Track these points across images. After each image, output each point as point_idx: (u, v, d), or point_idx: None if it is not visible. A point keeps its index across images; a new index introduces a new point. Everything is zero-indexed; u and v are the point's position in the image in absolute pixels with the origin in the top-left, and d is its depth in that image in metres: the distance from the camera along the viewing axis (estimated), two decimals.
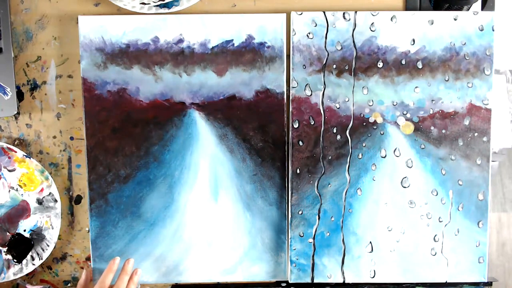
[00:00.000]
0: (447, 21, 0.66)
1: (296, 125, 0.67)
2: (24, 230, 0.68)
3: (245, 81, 0.66)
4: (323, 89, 0.67)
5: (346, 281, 0.68)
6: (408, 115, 0.67)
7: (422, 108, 0.67)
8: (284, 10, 0.67)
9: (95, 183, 0.67)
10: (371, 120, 0.67)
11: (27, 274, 0.69)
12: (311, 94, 0.67)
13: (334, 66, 0.66)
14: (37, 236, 0.68)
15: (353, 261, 0.68)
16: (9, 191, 0.68)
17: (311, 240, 0.67)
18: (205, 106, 0.67)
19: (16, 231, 0.68)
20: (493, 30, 0.66)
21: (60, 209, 0.68)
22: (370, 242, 0.68)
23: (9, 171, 0.67)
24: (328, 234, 0.67)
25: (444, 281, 0.68)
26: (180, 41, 0.66)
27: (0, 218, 0.68)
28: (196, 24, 0.66)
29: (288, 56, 0.67)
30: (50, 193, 0.68)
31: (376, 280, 0.68)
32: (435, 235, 0.68)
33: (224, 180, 0.67)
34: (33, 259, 0.68)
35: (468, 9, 0.68)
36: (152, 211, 0.67)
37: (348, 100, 0.67)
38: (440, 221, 0.68)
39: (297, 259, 0.68)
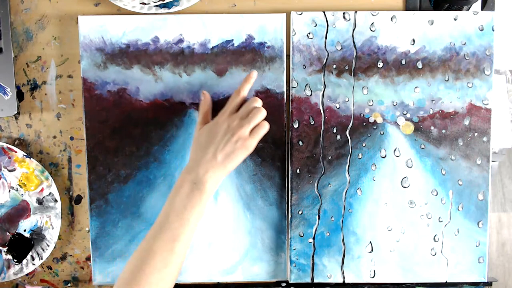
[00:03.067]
0: (447, 21, 0.66)
1: (296, 125, 0.67)
2: (24, 230, 0.68)
3: None
4: (323, 89, 0.67)
5: (346, 281, 0.68)
6: (408, 115, 0.67)
7: (422, 108, 0.67)
8: (284, 10, 0.67)
9: (95, 183, 0.67)
10: (371, 120, 0.67)
11: (27, 274, 0.69)
12: (311, 94, 0.67)
13: (334, 66, 0.66)
14: (37, 236, 0.68)
15: (353, 261, 0.68)
16: (9, 191, 0.68)
17: (311, 240, 0.67)
18: None
19: (16, 231, 0.68)
20: (493, 30, 0.66)
21: (60, 209, 0.68)
22: (370, 242, 0.68)
23: (9, 171, 0.67)
24: (328, 234, 0.67)
25: (444, 281, 0.68)
26: (180, 41, 0.66)
27: (0, 218, 0.68)
28: (196, 24, 0.66)
29: (288, 56, 0.67)
30: (50, 193, 0.68)
31: (376, 280, 0.68)
32: (435, 235, 0.68)
33: (224, 180, 0.67)
34: (33, 259, 0.68)
35: (468, 9, 0.68)
36: (152, 211, 0.67)
37: (348, 100, 0.67)
38: (440, 221, 0.68)
39: (297, 259, 0.68)
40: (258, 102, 0.60)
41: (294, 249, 0.67)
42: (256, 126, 0.59)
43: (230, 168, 0.57)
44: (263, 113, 0.59)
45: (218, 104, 0.67)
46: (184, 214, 0.54)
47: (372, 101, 0.67)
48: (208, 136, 0.58)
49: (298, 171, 0.67)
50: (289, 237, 0.67)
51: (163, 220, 0.55)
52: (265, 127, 0.59)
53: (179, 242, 0.53)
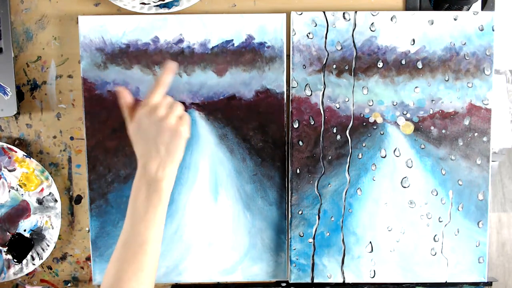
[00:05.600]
0: (447, 21, 0.66)
1: (296, 125, 0.67)
2: (24, 230, 0.68)
3: (245, 81, 0.67)
4: (323, 89, 0.67)
5: (346, 281, 0.68)
6: (408, 115, 0.67)
7: (422, 108, 0.67)
8: (284, 10, 0.67)
9: (95, 183, 0.67)
10: (371, 120, 0.67)
11: (27, 274, 0.69)
12: (311, 94, 0.67)
13: (334, 66, 0.66)
14: (37, 236, 0.68)
15: (353, 261, 0.68)
16: (9, 191, 0.68)
17: (311, 240, 0.67)
18: (205, 106, 0.67)
19: (16, 231, 0.68)
20: (493, 30, 0.66)
21: (60, 209, 0.68)
22: (370, 242, 0.68)
23: (9, 171, 0.67)
24: (328, 234, 0.67)
25: (444, 281, 0.68)
26: (180, 41, 0.66)
27: (0, 218, 0.68)
28: (196, 24, 0.66)
29: (288, 56, 0.67)
30: (50, 193, 0.68)
31: (376, 280, 0.68)
32: (435, 235, 0.68)
33: (224, 180, 0.67)
34: (33, 259, 0.68)
35: (468, 9, 0.68)
36: None
37: (348, 100, 0.67)
38: (440, 221, 0.68)
39: (297, 259, 0.68)
40: (171, 98, 0.59)
41: (294, 249, 0.67)
42: (183, 113, 0.58)
43: (177, 158, 0.56)
44: (181, 105, 0.58)
45: (218, 105, 0.67)
46: (147, 217, 0.55)
47: (372, 101, 0.67)
48: (140, 132, 0.57)
49: (298, 171, 0.67)
50: (289, 237, 0.67)
51: (128, 227, 0.55)
52: (188, 115, 0.59)
53: (149, 244, 0.54)
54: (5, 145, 0.67)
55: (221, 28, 0.66)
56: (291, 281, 0.68)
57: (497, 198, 1.32)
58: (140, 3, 0.66)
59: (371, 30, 0.66)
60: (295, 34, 0.66)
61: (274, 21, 0.66)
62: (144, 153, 0.56)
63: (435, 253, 0.68)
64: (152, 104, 0.57)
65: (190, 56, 0.66)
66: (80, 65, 0.66)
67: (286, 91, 0.67)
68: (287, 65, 0.67)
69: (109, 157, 0.67)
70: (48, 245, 0.68)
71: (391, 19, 0.66)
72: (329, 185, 0.67)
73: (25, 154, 0.67)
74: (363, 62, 0.66)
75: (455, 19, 0.66)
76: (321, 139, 0.67)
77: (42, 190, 0.68)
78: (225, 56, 0.66)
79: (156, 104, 0.57)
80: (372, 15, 0.66)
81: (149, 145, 0.56)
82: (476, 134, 0.67)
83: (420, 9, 0.68)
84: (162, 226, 0.56)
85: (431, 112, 0.67)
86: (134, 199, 0.56)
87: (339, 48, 0.66)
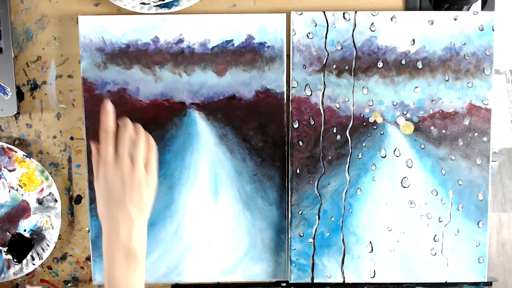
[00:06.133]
0: (447, 21, 0.66)
1: (296, 125, 0.67)
2: (24, 230, 0.68)
3: (245, 81, 0.67)
4: (323, 89, 0.67)
5: (346, 281, 0.68)
6: (408, 115, 0.67)
7: (422, 108, 0.67)
8: (284, 10, 0.67)
9: None
10: (371, 120, 0.67)
11: (27, 274, 0.69)
12: (311, 94, 0.67)
13: (334, 66, 0.66)
14: (37, 236, 0.68)
15: (353, 261, 0.68)
16: (9, 191, 0.68)
17: (311, 240, 0.67)
18: (205, 106, 0.67)
19: (16, 231, 0.68)
20: (493, 30, 0.66)
21: (60, 209, 0.68)
22: (370, 242, 0.68)
23: (9, 171, 0.67)
24: (328, 234, 0.67)
25: (444, 281, 0.68)
26: (180, 41, 0.66)
27: (0, 218, 0.68)
28: (196, 24, 0.66)
29: (288, 56, 0.67)
30: (50, 193, 0.68)
31: (376, 280, 0.68)
32: (435, 235, 0.68)
33: (224, 180, 0.67)
34: (33, 259, 0.68)
35: (468, 9, 0.68)
36: (152, 211, 0.67)
37: (348, 100, 0.67)
38: (440, 221, 0.68)
39: (297, 259, 0.68)
40: (127, 124, 0.55)
41: (294, 249, 0.67)
42: (147, 154, 0.56)
43: (147, 213, 0.55)
44: (141, 134, 0.55)
45: (218, 105, 0.67)
46: (129, 283, 0.53)
47: (372, 101, 0.67)
48: (108, 194, 0.54)
49: (298, 171, 0.67)
50: (289, 237, 0.67)
51: None
52: (154, 149, 0.56)
53: None
54: (5, 145, 0.67)
55: (221, 28, 0.66)
56: (291, 281, 0.68)
57: (497, 198, 1.32)
58: (140, 3, 0.66)
59: (371, 30, 0.66)
60: (295, 34, 0.66)
61: (274, 21, 0.66)
62: (112, 220, 0.54)
63: (435, 253, 0.68)
64: (110, 160, 0.54)
65: (190, 56, 0.66)
66: (80, 65, 0.66)
67: (286, 91, 0.67)
68: (287, 65, 0.67)
69: None
70: (48, 245, 0.68)
71: (391, 19, 0.66)
72: (329, 185, 0.67)
73: (25, 154, 0.67)
74: (363, 62, 0.66)
75: (455, 19, 0.66)
76: (321, 139, 0.67)
77: (42, 190, 0.68)
78: (225, 56, 0.66)
79: (115, 158, 0.54)
80: (372, 15, 0.66)
81: (118, 208, 0.53)
82: (476, 134, 0.67)
83: (420, 9, 0.68)
84: (144, 282, 0.55)
85: (431, 112, 0.67)
86: (111, 266, 0.53)
87: (339, 48, 0.66)
